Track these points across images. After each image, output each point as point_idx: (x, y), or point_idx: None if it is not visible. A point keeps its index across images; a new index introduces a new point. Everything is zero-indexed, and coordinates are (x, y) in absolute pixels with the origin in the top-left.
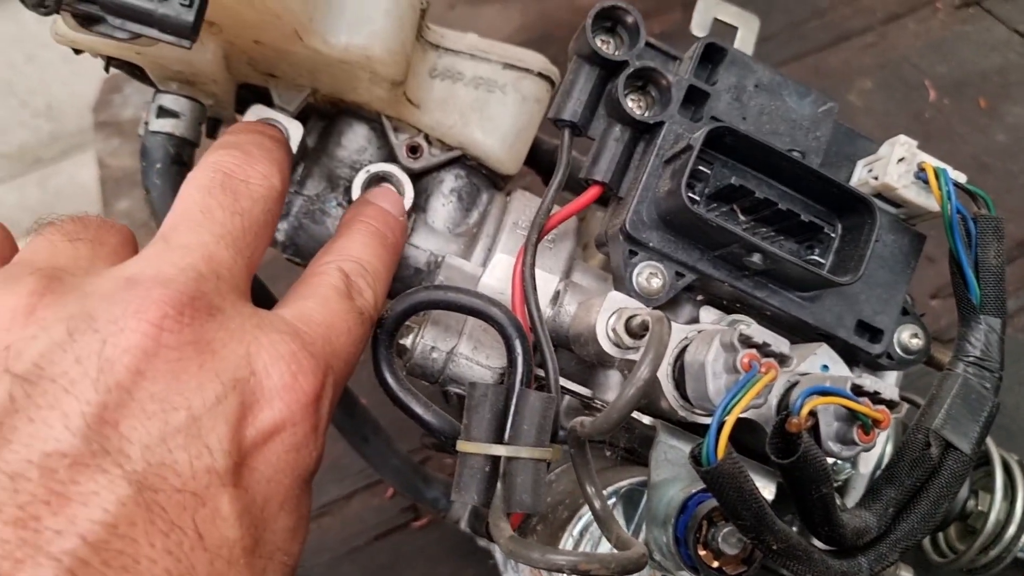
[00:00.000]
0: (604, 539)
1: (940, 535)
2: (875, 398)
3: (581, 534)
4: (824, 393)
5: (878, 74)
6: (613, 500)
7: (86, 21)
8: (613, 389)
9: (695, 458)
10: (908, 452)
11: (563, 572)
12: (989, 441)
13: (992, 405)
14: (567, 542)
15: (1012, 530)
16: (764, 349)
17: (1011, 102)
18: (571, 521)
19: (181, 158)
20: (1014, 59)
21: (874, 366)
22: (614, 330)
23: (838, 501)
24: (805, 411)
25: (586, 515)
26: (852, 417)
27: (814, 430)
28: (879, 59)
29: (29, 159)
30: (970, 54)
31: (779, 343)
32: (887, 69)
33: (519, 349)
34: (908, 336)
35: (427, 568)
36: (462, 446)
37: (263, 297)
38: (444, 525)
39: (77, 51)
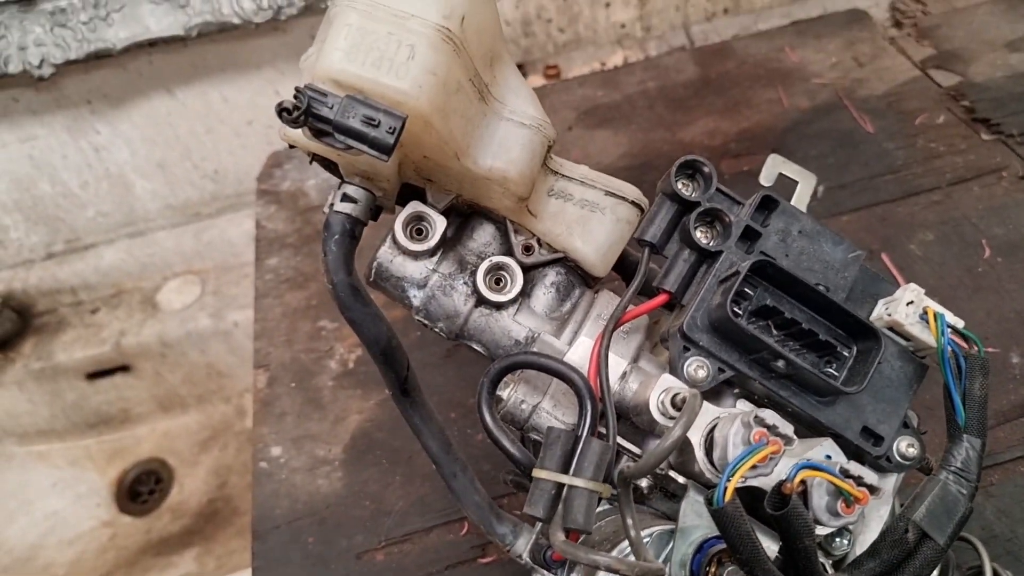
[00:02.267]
0: None
1: None
2: (859, 481)
3: None
4: (815, 468)
5: (939, 228)
6: (648, 540)
7: (317, 134)
8: None
9: (708, 501)
10: (889, 535)
11: (600, 568)
12: (983, 554)
13: (966, 508)
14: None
15: None
16: (773, 430)
17: None
18: (611, 552)
19: (354, 233)
20: None
21: (875, 467)
22: (663, 403)
23: (826, 563)
24: (797, 479)
25: (625, 549)
26: (839, 494)
27: (804, 498)
28: (942, 216)
29: (190, 212)
30: None
31: (785, 427)
32: (948, 225)
33: (588, 405)
34: (905, 445)
35: None
36: (537, 472)
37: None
38: (505, 564)
39: (292, 146)
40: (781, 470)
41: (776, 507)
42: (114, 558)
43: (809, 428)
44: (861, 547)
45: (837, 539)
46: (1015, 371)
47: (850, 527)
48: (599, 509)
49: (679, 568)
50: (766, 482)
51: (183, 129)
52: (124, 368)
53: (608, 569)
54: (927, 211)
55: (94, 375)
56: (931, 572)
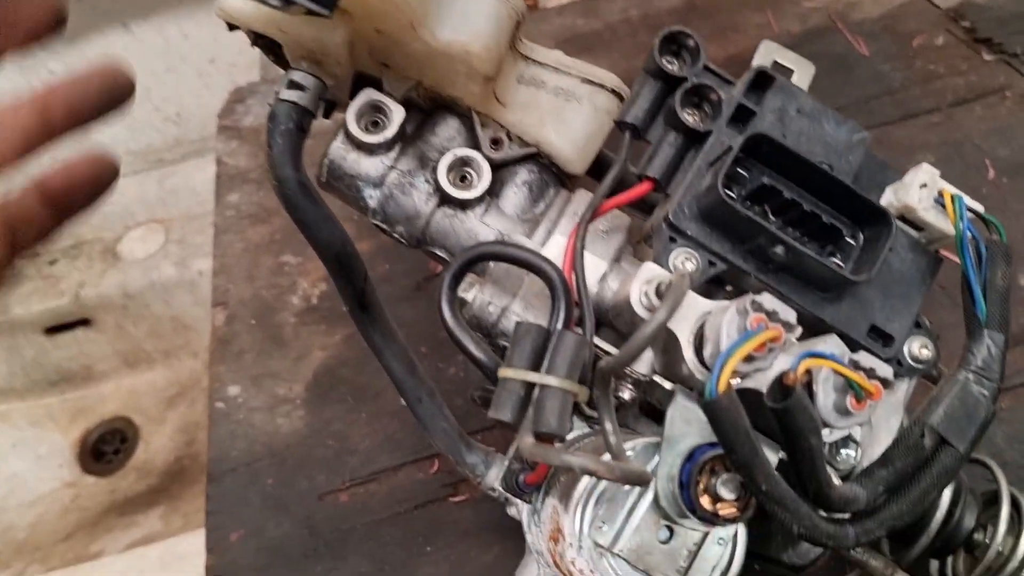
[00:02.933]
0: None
1: (948, 563)
2: (870, 373)
3: (597, 480)
4: (821, 357)
5: (940, 150)
6: (631, 453)
7: None
8: (644, 361)
9: (700, 394)
10: (903, 441)
11: (574, 470)
12: (1000, 477)
13: (988, 412)
14: (580, 489)
15: (1015, 563)
16: (773, 316)
17: None
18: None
19: (302, 125)
20: None
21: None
22: (646, 295)
23: (831, 473)
24: (802, 368)
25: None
26: (847, 388)
27: (810, 391)
28: (943, 137)
29: (152, 158)
30: None
31: (787, 312)
32: (950, 147)
33: (561, 296)
34: (918, 347)
35: (458, 538)
36: (503, 372)
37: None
38: (478, 503)
39: (232, 27)
40: (782, 365)
41: (777, 399)
42: (77, 519)
43: (810, 329)
44: (869, 461)
45: (843, 451)
46: None
47: (857, 437)
48: (573, 434)
49: (666, 481)
50: (765, 382)
51: (142, 68)
52: (85, 322)
53: (585, 471)
54: (927, 133)
55: (53, 329)
56: (949, 481)
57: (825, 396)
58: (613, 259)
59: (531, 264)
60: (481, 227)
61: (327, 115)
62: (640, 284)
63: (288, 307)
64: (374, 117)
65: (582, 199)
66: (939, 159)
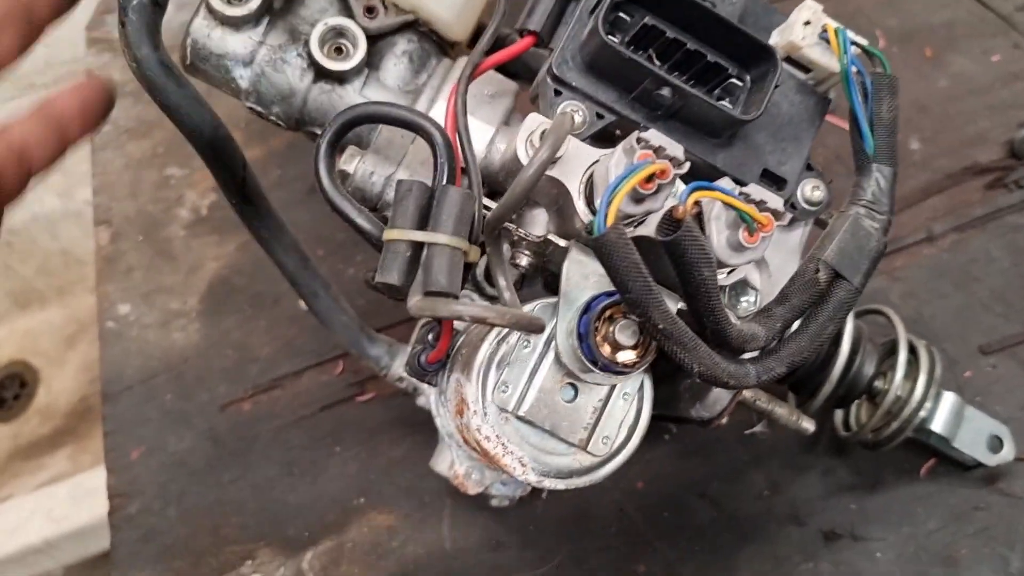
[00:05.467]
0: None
1: (852, 413)
2: (760, 206)
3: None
4: (710, 188)
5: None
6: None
7: None
8: (539, 223)
9: (588, 231)
10: (799, 278)
11: (465, 319)
12: (898, 325)
13: (880, 244)
14: (480, 355)
15: (912, 405)
16: (660, 152)
17: (955, 53)
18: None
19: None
20: (961, 15)
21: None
22: (531, 143)
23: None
24: (690, 200)
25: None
26: (739, 223)
27: (700, 222)
28: (835, 9)
29: (22, 84)
30: (921, 9)
31: (674, 148)
32: (841, 19)
33: (443, 151)
34: (810, 188)
35: (366, 436)
36: (387, 234)
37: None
38: (386, 400)
39: None
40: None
41: (667, 233)
42: None
43: (702, 178)
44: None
45: (743, 299)
46: (915, 156)
47: (756, 284)
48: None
49: (565, 336)
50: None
51: None
52: None
53: (476, 319)
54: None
55: None
56: (846, 315)
57: (718, 234)
58: (501, 122)
59: (409, 122)
60: (361, 100)
61: None
62: (525, 134)
63: (176, 220)
64: None
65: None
66: None
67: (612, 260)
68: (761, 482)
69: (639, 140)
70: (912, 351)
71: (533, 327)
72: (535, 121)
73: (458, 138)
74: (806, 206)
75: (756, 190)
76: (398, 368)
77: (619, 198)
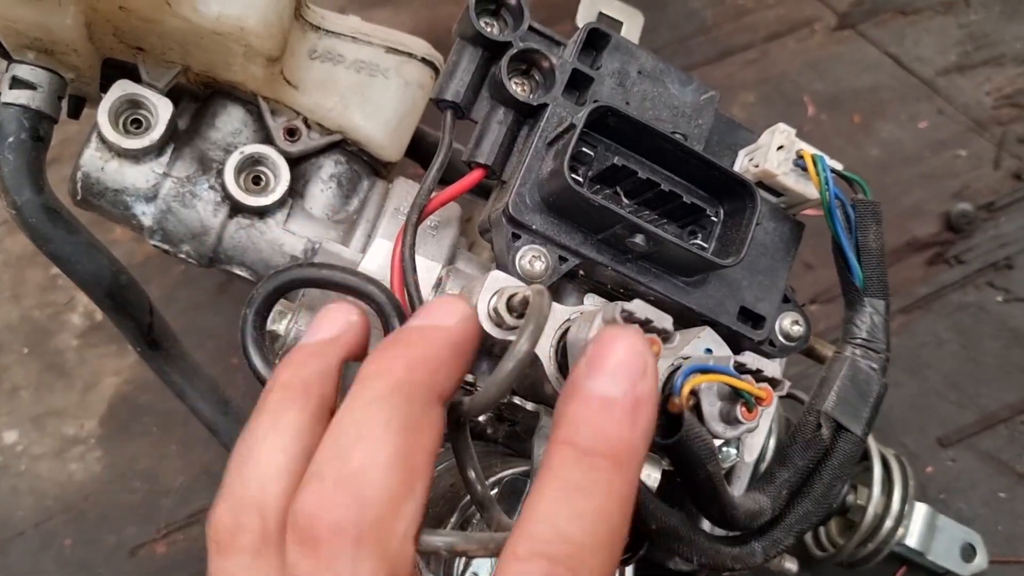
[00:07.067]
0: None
1: (821, 529)
2: (758, 376)
3: (462, 527)
4: (706, 371)
5: (760, 88)
6: (496, 490)
7: None
8: None
9: None
10: (800, 434)
11: (440, 553)
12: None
13: (880, 386)
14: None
15: (889, 523)
16: (647, 325)
17: (883, 119)
18: (451, 515)
19: (38, 133)
20: (885, 80)
21: (757, 353)
22: (495, 310)
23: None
24: (687, 390)
25: (467, 506)
26: (735, 396)
27: (697, 410)
28: (761, 75)
29: None
30: (845, 73)
31: (662, 319)
32: (768, 84)
33: (396, 325)
34: (789, 323)
35: None
36: None
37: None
38: None
39: None
40: (658, 376)
41: (666, 434)
42: None
43: (676, 319)
44: (750, 452)
45: (723, 448)
46: None
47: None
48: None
49: None
50: None
51: None
52: None
53: (452, 552)
54: (745, 71)
55: None
56: (852, 468)
57: (711, 407)
58: (448, 259)
59: (353, 287)
60: (286, 236)
61: (75, 115)
62: (487, 296)
63: (67, 327)
64: (135, 114)
65: (403, 190)
66: (759, 98)
67: None
68: None
69: (623, 311)
70: (883, 463)
71: None
72: (497, 282)
73: (409, 301)
74: (786, 343)
75: (752, 358)
76: None
77: None
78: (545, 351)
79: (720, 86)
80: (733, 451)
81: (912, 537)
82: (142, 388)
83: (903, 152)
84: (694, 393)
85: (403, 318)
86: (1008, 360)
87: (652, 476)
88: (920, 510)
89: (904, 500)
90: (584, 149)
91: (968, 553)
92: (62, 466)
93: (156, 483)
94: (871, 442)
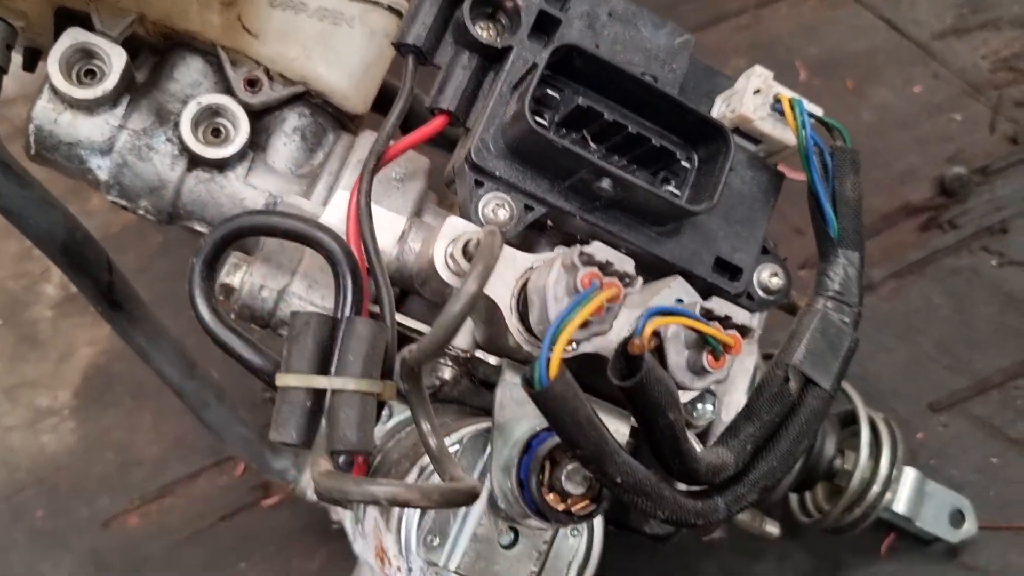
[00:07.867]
0: None
1: (807, 495)
2: (726, 323)
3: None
4: (669, 314)
5: (752, 54)
6: (457, 448)
7: None
8: (463, 334)
9: (527, 381)
10: (767, 388)
11: (381, 503)
12: (856, 399)
13: (851, 340)
14: None
15: (876, 488)
16: (607, 268)
17: (877, 84)
18: (410, 471)
19: None
20: (880, 43)
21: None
22: (452, 256)
23: (693, 440)
24: (648, 331)
25: (426, 464)
26: (702, 343)
27: (661, 359)
28: (753, 40)
29: None
30: (839, 38)
31: (623, 262)
32: (760, 49)
33: (348, 275)
34: (768, 275)
35: (277, 547)
36: (281, 379)
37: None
38: (296, 503)
39: None
40: (623, 325)
41: (624, 375)
42: None
43: (649, 271)
44: (728, 411)
45: (699, 405)
46: None
47: (715, 388)
48: (393, 421)
49: (502, 475)
50: (605, 344)
51: None
52: None
53: (394, 502)
54: (737, 36)
55: None
56: (819, 424)
57: (677, 355)
58: (413, 212)
59: (303, 235)
60: (246, 190)
61: (30, 67)
62: (444, 244)
63: (42, 299)
64: (88, 65)
65: (368, 142)
66: (751, 63)
67: (558, 416)
68: (714, 572)
69: (582, 255)
70: (871, 426)
71: (468, 501)
72: (454, 228)
73: (364, 249)
74: (764, 296)
75: (719, 304)
76: (307, 483)
77: (563, 340)
78: (506, 301)
79: (711, 51)
80: (710, 407)
81: (900, 503)
82: (117, 357)
83: (897, 117)
84: (657, 335)
85: (354, 261)
86: (1002, 324)
87: (620, 431)
88: (909, 475)
89: (892, 465)
90: (549, 92)
91: (957, 519)
92: (35, 437)
93: (129, 454)
94: (859, 405)
